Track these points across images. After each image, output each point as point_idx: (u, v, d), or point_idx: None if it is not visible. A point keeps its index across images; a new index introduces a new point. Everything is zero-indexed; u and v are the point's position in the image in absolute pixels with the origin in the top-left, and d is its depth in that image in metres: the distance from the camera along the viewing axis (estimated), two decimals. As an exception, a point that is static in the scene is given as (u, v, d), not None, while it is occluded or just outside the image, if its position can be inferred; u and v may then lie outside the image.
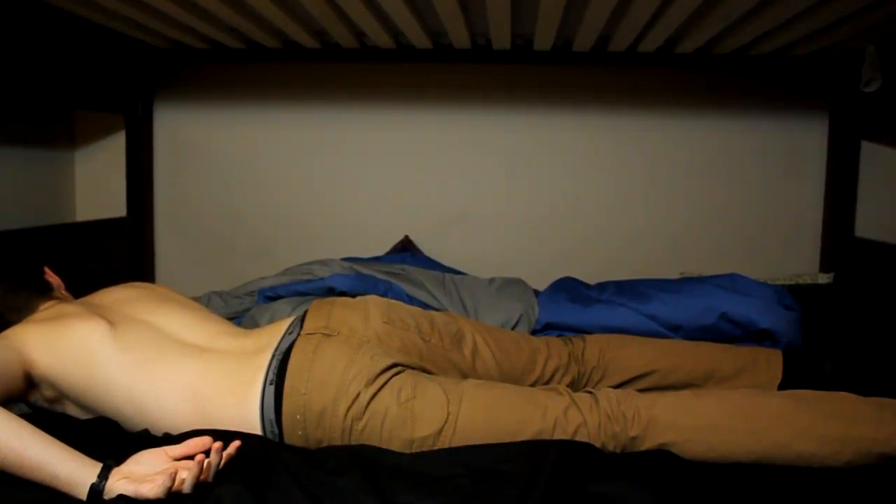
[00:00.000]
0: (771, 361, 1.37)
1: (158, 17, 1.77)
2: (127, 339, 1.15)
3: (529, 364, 1.32)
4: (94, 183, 2.30)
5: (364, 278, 1.68)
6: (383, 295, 1.60)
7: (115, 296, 1.31)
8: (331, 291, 1.64)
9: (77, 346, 1.13)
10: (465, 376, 1.24)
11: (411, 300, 1.64)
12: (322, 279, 1.70)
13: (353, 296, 1.51)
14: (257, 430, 1.10)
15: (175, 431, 1.07)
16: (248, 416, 1.10)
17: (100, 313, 1.20)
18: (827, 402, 1.12)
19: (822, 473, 1.05)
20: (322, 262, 1.82)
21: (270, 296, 1.71)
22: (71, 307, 1.25)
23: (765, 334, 1.57)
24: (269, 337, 1.20)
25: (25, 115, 2.05)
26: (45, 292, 1.35)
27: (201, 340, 1.21)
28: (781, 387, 1.32)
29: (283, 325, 1.23)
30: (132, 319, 1.22)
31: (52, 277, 1.40)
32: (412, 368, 1.17)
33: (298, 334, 1.17)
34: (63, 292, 1.40)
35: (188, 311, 1.29)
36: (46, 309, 1.28)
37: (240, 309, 1.77)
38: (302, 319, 1.23)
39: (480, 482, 0.96)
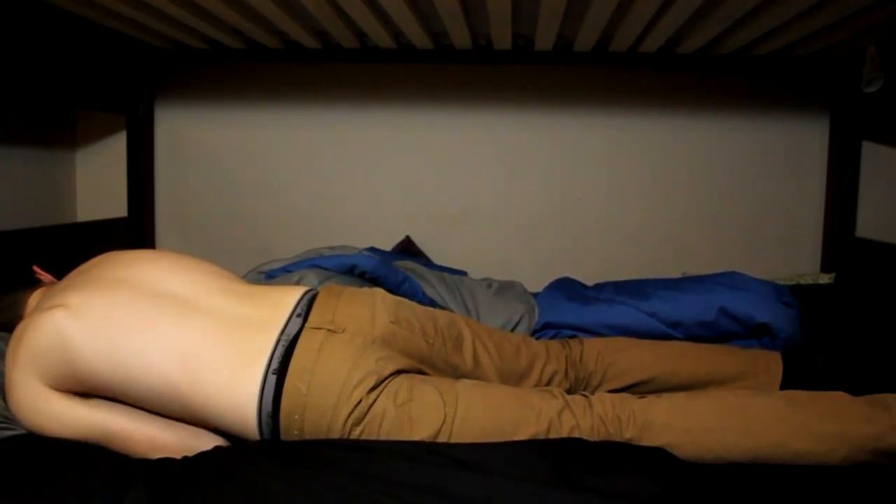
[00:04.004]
0: (770, 364, 1.36)
1: (159, 17, 1.78)
2: (92, 311, 1.08)
3: (528, 369, 1.31)
4: (95, 183, 2.30)
5: (387, 263, 1.64)
6: (401, 284, 1.59)
7: (88, 265, 1.24)
8: (353, 270, 1.60)
9: (49, 345, 1.07)
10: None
11: (424, 295, 1.64)
12: (348, 255, 1.65)
13: (375, 278, 1.49)
14: (251, 416, 1.06)
15: (161, 391, 1.05)
16: (243, 401, 1.06)
17: (59, 302, 1.11)
18: (820, 402, 1.12)
19: (819, 471, 1.05)
20: (332, 249, 1.79)
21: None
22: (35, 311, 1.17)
23: (764, 329, 1.57)
24: (274, 310, 1.14)
25: (27, 115, 2.06)
26: (33, 285, 1.30)
27: (191, 294, 1.14)
28: (781, 389, 1.32)
29: (290, 298, 1.17)
30: (103, 282, 1.14)
31: (44, 276, 1.36)
32: (409, 371, 1.17)
33: (304, 322, 1.13)
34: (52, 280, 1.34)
35: (178, 262, 1.21)
36: (37, 301, 1.22)
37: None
38: (310, 303, 1.18)
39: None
